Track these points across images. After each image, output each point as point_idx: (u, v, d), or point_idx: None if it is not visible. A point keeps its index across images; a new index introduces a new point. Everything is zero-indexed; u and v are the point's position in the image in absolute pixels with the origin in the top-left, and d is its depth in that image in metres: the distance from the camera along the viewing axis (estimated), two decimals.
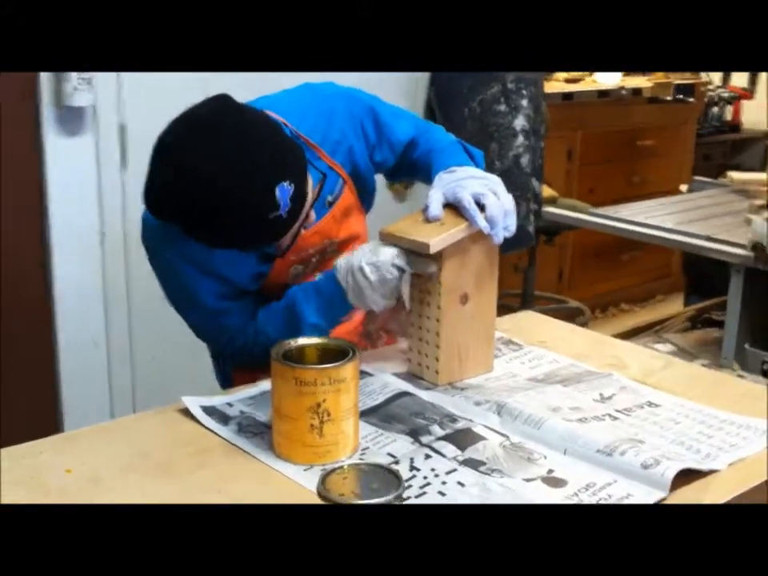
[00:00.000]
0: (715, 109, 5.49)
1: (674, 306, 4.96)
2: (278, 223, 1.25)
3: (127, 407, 2.45)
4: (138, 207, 2.41)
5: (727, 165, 5.48)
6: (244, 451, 1.18)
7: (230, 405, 1.31)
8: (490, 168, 2.85)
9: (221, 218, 1.20)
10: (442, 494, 1.08)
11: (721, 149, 5.50)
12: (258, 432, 1.23)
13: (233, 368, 1.63)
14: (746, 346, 2.11)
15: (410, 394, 1.35)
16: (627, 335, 2.47)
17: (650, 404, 1.33)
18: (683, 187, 3.11)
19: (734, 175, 2.99)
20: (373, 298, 1.34)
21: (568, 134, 4.29)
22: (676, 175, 5.01)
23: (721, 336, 2.44)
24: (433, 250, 1.31)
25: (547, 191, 3.25)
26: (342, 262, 1.39)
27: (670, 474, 1.08)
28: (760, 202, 2.54)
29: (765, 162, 5.54)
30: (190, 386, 2.47)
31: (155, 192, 1.23)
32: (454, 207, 1.36)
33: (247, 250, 1.37)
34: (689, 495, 1.08)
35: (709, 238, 2.31)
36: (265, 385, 1.37)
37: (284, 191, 1.21)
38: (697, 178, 3.15)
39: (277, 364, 1.15)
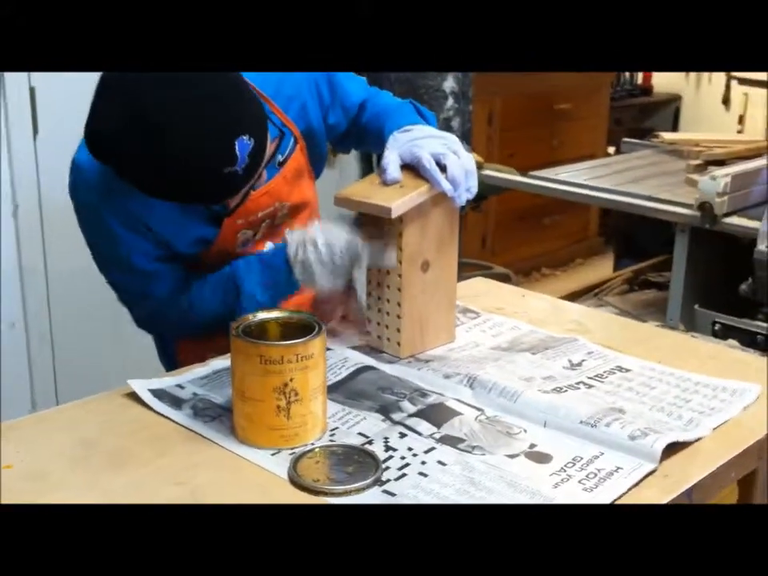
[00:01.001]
0: (627, 73, 5.53)
1: (594, 269, 5.01)
2: (232, 179, 1.14)
3: (49, 394, 2.30)
4: (52, 175, 2.27)
5: (639, 128, 5.55)
6: (203, 437, 1.09)
7: (180, 387, 1.21)
8: None
9: (171, 165, 1.08)
10: (423, 474, 1.01)
11: (632, 112, 5.55)
12: (216, 416, 1.13)
13: (177, 345, 1.52)
14: (696, 306, 2.10)
15: (373, 368, 1.27)
16: (566, 299, 2.44)
17: (620, 369, 1.29)
18: (610, 149, 3.10)
19: (666, 136, 2.99)
20: (321, 275, 1.25)
21: (488, 99, 4.25)
22: (591, 139, 5.03)
23: (661, 297, 2.43)
24: (394, 214, 1.23)
25: (474, 157, 3.19)
26: (294, 233, 1.29)
27: (660, 446, 1.03)
28: (697, 161, 2.54)
29: (675, 125, 5.63)
30: (115, 368, 2.35)
31: (97, 130, 1.10)
32: (411, 168, 1.28)
33: (191, 204, 1.25)
34: (678, 465, 1.04)
35: (651, 198, 2.29)
36: (216, 364, 1.28)
37: (243, 145, 1.10)
38: (626, 139, 3.13)
39: (238, 341, 1.05)
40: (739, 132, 5.17)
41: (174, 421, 1.13)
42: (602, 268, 4.95)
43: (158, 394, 1.18)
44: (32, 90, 2.19)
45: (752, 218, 2.09)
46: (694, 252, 2.13)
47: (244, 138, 1.10)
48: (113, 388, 1.21)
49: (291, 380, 1.04)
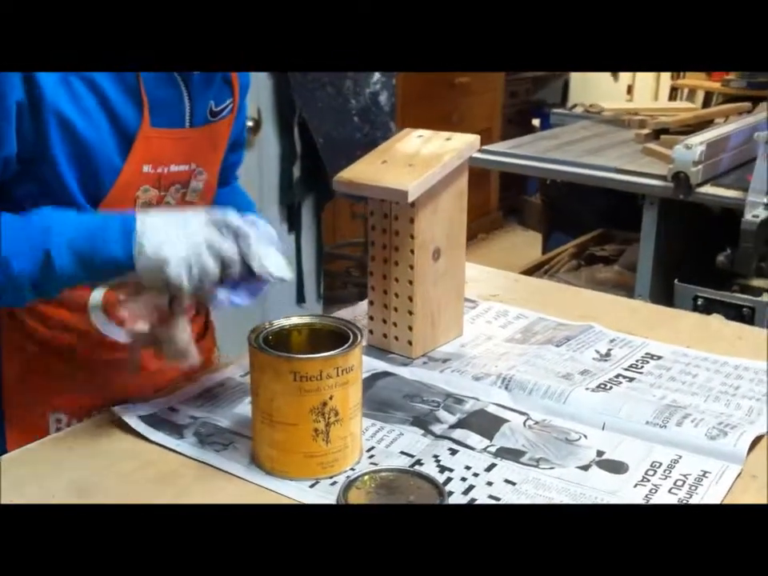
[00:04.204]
0: None
1: (497, 243, 5.00)
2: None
3: None
4: None
5: (530, 101, 5.56)
6: (219, 470, 0.92)
7: (173, 410, 1.03)
8: (344, 107, 2.60)
9: None
10: (495, 498, 0.87)
11: (524, 85, 5.53)
12: (227, 442, 0.96)
13: None
14: (676, 281, 2.02)
15: (389, 373, 1.12)
16: None
17: (652, 356, 1.18)
18: (535, 122, 3.01)
19: (604, 104, 2.92)
20: (197, 260, 0.91)
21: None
22: (488, 113, 5.00)
23: (613, 271, 2.37)
24: (411, 197, 1.08)
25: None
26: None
27: (743, 445, 0.93)
28: (645, 131, 2.47)
29: (565, 97, 5.65)
30: None
31: None
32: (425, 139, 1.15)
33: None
34: (759, 463, 0.94)
35: (617, 170, 2.20)
36: (206, 380, 1.10)
37: None
38: (555, 110, 3.06)
39: (264, 355, 0.89)
40: (628, 101, 5.22)
41: (178, 452, 0.95)
42: (505, 242, 4.95)
43: (151, 421, 1.00)
44: None
45: (727, 187, 2.03)
46: (662, 225, 2.06)
47: None
48: None
49: (331, 398, 0.88)
